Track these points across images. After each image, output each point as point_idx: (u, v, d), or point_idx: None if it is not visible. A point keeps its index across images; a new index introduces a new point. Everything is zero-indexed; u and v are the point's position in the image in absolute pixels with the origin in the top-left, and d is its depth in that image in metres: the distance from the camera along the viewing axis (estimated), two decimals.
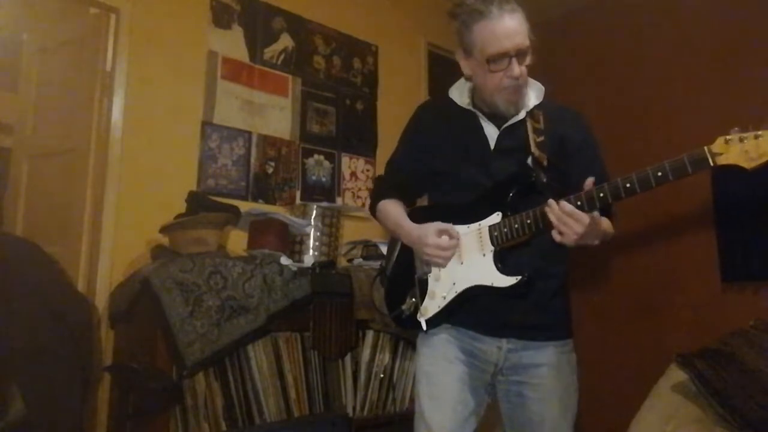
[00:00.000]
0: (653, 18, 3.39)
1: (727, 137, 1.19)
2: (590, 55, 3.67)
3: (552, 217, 1.32)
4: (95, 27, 2.72)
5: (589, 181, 1.33)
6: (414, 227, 1.55)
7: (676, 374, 2.29)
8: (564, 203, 1.32)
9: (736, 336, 2.35)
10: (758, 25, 2.93)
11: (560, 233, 1.33)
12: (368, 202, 1.84)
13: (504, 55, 1.43)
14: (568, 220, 1.30)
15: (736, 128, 1.20)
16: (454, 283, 1.50)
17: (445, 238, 1.48)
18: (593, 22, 3.73)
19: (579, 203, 1.32)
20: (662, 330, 3.10)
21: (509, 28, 1.42)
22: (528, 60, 1.46)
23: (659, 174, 1.24)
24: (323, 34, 3.30)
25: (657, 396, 2.31)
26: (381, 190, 1.74)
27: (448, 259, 1.49)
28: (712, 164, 1.21)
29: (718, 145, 1.20)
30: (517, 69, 1.44)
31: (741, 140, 1.18)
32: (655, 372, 2.42)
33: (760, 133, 1.17)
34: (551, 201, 1.34)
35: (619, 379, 3.18)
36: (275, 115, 3.03)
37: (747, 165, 1.18)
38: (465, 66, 1.55)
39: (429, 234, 1.49)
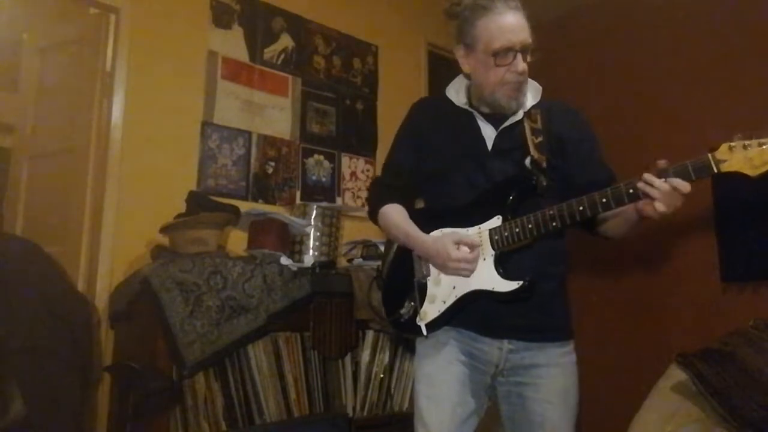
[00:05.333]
0: (653, 18, 3.39)
1: (731, 144, 1.18)
2: (590, 55, 3.67)
3: (655, 193, 1.26)
4: (95, 27, 2.72)
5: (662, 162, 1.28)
6: (429, 239, 1.51)
7: (676, 374, 2.29)
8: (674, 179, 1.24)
9: (736, 336, 2.35)
10: (758, 25, 2.93)
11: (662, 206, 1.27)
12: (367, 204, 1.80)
13: (510, 50, 1.43)
14: (675, 195, 1.25)
15: (739, 134, 1.19)
16: (454, 287, 1.47)
17: (465, 249, 1.44)
18: (593, 22, 3.72)
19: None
20: (662, 330, 3.10)
21: (515, 23, 1.43)
22: (529, 57, 1.46)
23: (663, 180, 1.24)
24: (323, 34, 3.30)
25: (657, 396, 2.31)
26: (381, 194, 1.68)
27: (473, 271, 1.45)
28: (716, 171, 1.20)
29: (722, 151, 1.19)
30: (522, 64, 1.44)
31: (745, 147, 1.17)
32: (655, 372, 2.42)
33: (763, 140, 1.16)
34: (648, 176, 1.26)
35: (619, 379, 3.18)
36: (275, 115, 3.03)
37: (751, 172, 1.18)
38: (465, 63, 1.53)
39: (449, 247, 1.44)
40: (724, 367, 2.18)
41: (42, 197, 2.89)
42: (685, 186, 1.24)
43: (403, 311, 1.55)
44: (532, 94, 1.55)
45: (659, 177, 1.25)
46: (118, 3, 2.62)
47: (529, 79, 1.55)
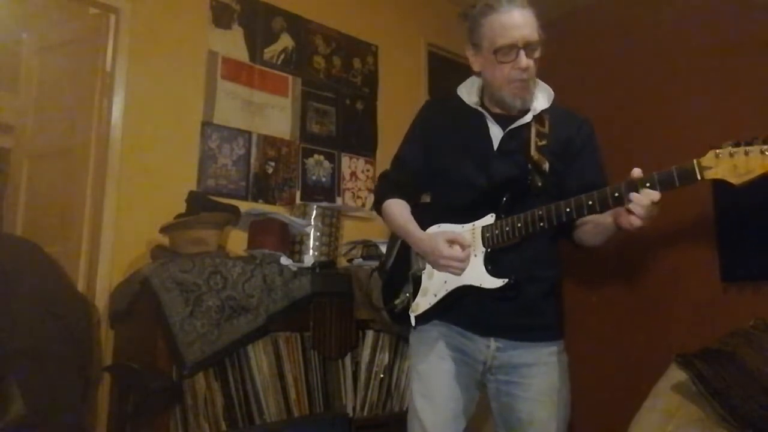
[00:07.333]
0: (653, 18, 3.39)
1: (718, 151, 1.18)
2: (590, 55, 3.67)
3: (634, 207, 1.25)
4: (95, 27, 2.72)
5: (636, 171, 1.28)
6: (424, 237, 1.55)
7: (676, 374, 2.29)
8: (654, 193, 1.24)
9: (736, 336, 2.35)
10: (758, 25, 2.93)
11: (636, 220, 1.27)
12: (369, 201, 1.83)
13: (512, 47, 1.44)
14: (652, 206, 1.25)
15: (729, 142, 1.19)
16: (445, 282, 1.51)
17: (457, 248, 1.47)
18: (593, 22, 3.73)
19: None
20: (662, 330, 3.10)
21: (518, 20, 1.44)
22: (537, 53, 1.47)
23: (647, 185, 1.24)
24: (323, 34, 3.30)
25: (657, 396, 2.31)
26: (386, 188, 1.72)
27: (463, 269, 1.48)
28: (699, 178, 1.19)
29: (708, 158, 1.19)
30: (525, 61, 1.45)
31: (731, 155, 1.16)
32: (655, 372, 2.42)
33: (749, 148, 1.15)
34: (636, 195, 1.25)
35: (619, 379, 3.18)
36: (275, 115, 3.03)
37: (734, 180, 1.17)
38: (474, 62, 1.56)
39: (441, 245, 1.48)
40: (724, 367, 2.18)
41: (42, 197, 2.89)
42: (655, 195, 1.23)
43: (397, 302, 1.61)
44: (545, 98, 1.56)
45: (636, 186, 1.25)
46: (118, 3, 2.62)
47: (543, 83, 1.58)
